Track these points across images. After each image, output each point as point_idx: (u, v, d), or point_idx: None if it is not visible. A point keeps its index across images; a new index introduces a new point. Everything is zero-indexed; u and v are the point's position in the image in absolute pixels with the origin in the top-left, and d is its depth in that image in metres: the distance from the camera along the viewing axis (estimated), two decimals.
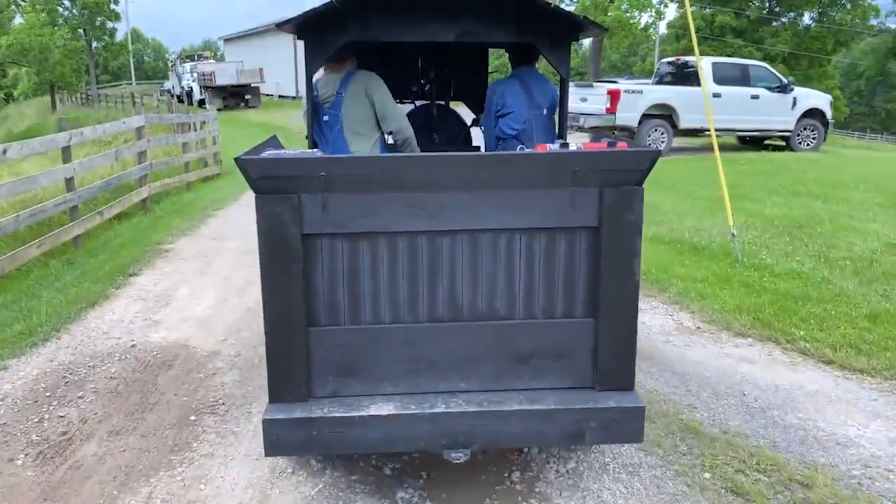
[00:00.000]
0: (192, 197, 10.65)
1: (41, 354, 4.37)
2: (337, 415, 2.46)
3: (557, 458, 3.08)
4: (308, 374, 2.51)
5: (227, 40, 49.91)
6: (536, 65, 3.90)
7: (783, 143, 15.47)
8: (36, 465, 3.15)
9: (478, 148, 4.52)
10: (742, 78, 14.87)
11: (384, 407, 2.49)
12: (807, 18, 46.04)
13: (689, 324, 4.81)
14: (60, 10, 40.58)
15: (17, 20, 38.40)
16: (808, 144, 15.49)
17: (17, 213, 6.45)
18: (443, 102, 4.71)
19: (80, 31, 40.59)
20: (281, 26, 3.12)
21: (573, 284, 2.54)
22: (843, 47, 47.61)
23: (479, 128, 4.34)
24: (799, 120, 15.23)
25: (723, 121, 14.81)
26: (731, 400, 3.64)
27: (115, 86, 61.06)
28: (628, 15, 32.28)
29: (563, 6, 32.03)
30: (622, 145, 2.74)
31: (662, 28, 46.76)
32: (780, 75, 15.43)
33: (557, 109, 3.72)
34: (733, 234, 6.21)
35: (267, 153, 2.61)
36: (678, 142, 15.30)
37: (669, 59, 16.76)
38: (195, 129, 13.94)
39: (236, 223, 8.29)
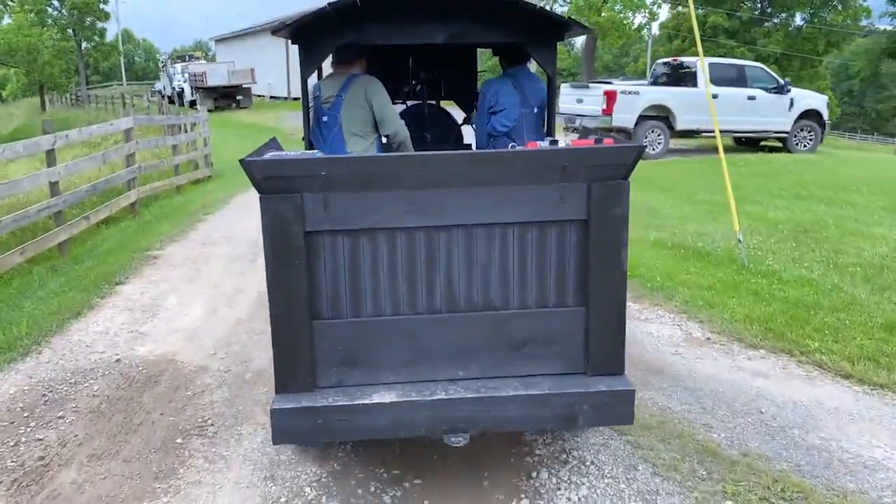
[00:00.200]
0: (183, 200, 10.41)
1: (20, 371, 4.15)
2: (342, 403, 2.54)
3: (569, 484, 2.90)
4: (312, 366, 2.60)
5: (219, 41, 49.54)
6: (529, 65, 3.97)
7: (780, 145, 15.36)
8: (10, 494, 2.94)
9: (469, 146, 4.58)
10: (739, 78, 14.74)
11: (387, 395, 2.57)
12: (798, 19, 46.14)
13: (699, 334, 4.63)
14: (49, 10, 40.19)
15: (6, 20, 37.97)
16: (804, 146, 15.38)
17: None
18: (434, 102, 4.79)
19: (70, 31, 40.18)
20: (276, 32, 3.20)
21: (564, 275, 2.64)
22: (834, 48, 47.76)
23: (471, 125, 4.40)
24: (796, 121, 15.13)
25: (719, 122, 14.65)
26: (749, 418, 3.46)
27: (106, 86, 60.57)
28: (622, 16, 32.17)
29: (556, 7, 31.93)
30: (608, 142, 2.81)
31: (654, 29, 46.79)
32: (776, 76, 15.32)
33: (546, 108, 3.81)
34: (739, 240, 6.04)
35: (269, 154, 2.66)
36: (674, 143, 15.14)
37: (665, 60, 16.63)
38: (186, 131, 13.70)
39: (227, 228, 8.07)
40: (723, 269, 5.89)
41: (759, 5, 46.57)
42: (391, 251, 2.58)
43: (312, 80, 3.73)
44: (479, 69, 5.01)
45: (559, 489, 2.87)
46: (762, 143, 16.05)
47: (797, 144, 15.31)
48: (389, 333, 2.63)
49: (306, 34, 3.15)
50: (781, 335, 4.46)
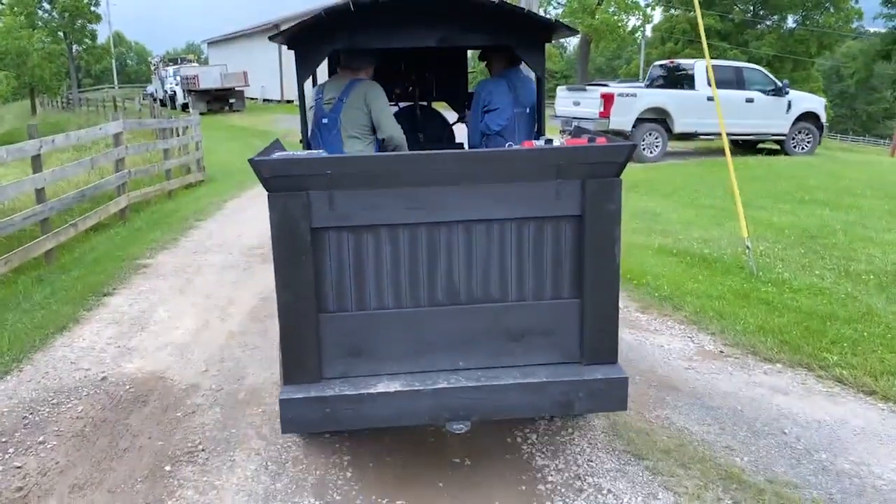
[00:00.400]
0: (174, 206, 10.18)
1: None
2: (348, 393, 2.62)
3: None
4: (319, 357, 2.67)
5: (211, 43, 49.24)
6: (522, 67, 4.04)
7: (777, 147, 15.23)
8: None
9: (461, 145, 4.67)
10: (736, 81, 14.61)
11: (391, 385, 2.65)
12: (790, 21, 46.20)
13: (711, 347, 4.45)
14: (40, 12, 39.83)
15: None
16: (802, 148, 15.26)
17: None
18: (425, 103, 4.91)
19: (60, 33, 39.83)
20: (273, 38, 3.29)
21: (560, 268, 2.74)
22: (826, 50, 47.84)
23: (465, 124, 4.46)
24: (794, 123, 15.01)
25: (717, 125, 14.53)
26: (771, 439, 3.28)
27: (98, 89, 60.14)
28: (616, 18, 32.10)
29: (549, 9, 31.82)
30: (601, 141, 2.88)
31: (647, 31, 46.74)
32: (774, 78, 15.20)
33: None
34: (748, 247, 5.87)
35: (276, 154, 2.73)
36: (671, 146, 15.00)
37: (662, 62, 16.49)
38: (177, 135, 13.46)
39: (220, 235, 7.85)
40: (731, 277, 5.72)
41: (752, 8, 46.63)
42: (394, 246, 2.66)
43: (311, 82, 3.78)
44: (468, 71, 5.18)
45: None
46: (759, 145, 15.93)
47: (795, 147, 15.19)
48: (393, 325, 2.71)
49: (302, 40, 3.21)
50: (798, 348, 4.28)
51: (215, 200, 10.23)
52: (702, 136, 14.91)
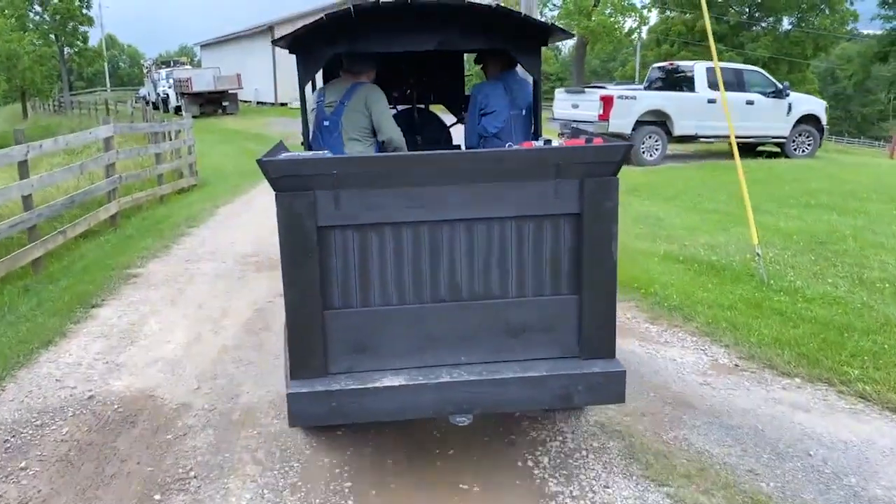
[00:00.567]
0: (166, 212, 9.97)
1: None
2: (353, 387, 2.67)
3: None
4: (325, 353, 2.72)
5: (204, 46, 48.99)
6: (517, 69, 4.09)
7: (777, 150, 15.10)
8: None
9: (458, 147, 4.72)
10: (737, 83, 14.46)
11: (395, 379, 2.70)
12: (786, 23, 46.22)
13: (726, 360, 4.28)
14: (31, 14, 39.50)
15: None
16: (803, 151, 15.14)
17: None
18: (423, 106, 4.99)
19: (52, 36, 39.50)
20: (276, 42, 3.35)
21: (559, 265, 2.80)
22: (822, 52, 47.87)
23: (464, 125, 4.51)
24: (794, 126, 14.88)
25: (717, 127, 14.40)
26: (797, 462, 3.10)
27: (90, 92, 59.77)
28: (612, 20, 32.00)
29: (546, 11, 31.69)
30: (598, 141, 2.93)
31: (643, 33, 46.70)
32: (774, 80, 15.07)
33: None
34: (758, 254, 5.70)
35: (283, 155, 2.78)
36: (670, 149, 14.84)
37: (661, 64, 16.35)
38: (170, 139, 13.25)
39: (212, 242, 7.65)
40: (741, 285, 5.55)
41: (748, 10, 46.63)
42: (397, 244, 2.71)
43: (310, 86, 3.82)
44: (465, 74, 5.30)
45: None
46: (759, 148, 15.80)
47: (795, 150, 15.06)
48: (396, 321, 2.76)
49: (304, 44, 3.26)
50: (816, 361, 4.11)
51: (208, 206, 10.02)
52: (702, 139, 14.76)
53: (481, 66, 4.17)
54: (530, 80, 3.76)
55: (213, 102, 32.18)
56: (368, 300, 2.74)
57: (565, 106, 14.91)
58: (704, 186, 10.43)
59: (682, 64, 15.64)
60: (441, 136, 4.99)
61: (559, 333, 2.83)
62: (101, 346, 4.60)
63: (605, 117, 13.62)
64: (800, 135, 15.03)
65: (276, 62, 36.66)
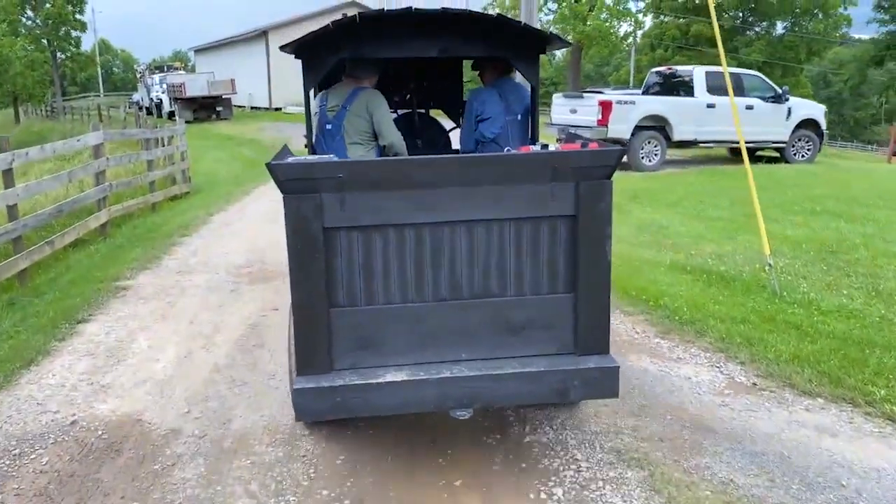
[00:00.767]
0: (158, 220, 9.73)
1: None
2: (358, 382, 2.75)
3: None
4: (330, 350, 2.80)
5: (199, 51, 48.78)
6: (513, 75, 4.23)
7: (777, 155, 14.95)
8: None
9: (457, 152, 4.73)
10: (736, 87, 14.29)
11: (398, 374, 2.79)
12: (779, 28, 46.27)
13: (743, 379, 4.08)
14: (23, 19, 39.19)
15: None
16: (802, 156, 15.00)
17: None
18: (423, 111, 5.09)
19: (44, 41, 39.16)
20: (283, 48, 3.44)
21: (555, 265, 2.89)
22: (815, 56, 47.95)
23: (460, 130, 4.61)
24: (794, 131, 14.75)
25: (717, 132, 14.27)
26: (830, 494, 2.91)
27: (83, 97, 59.44)
28: (608, 24, 31.90)
29: (541, 15, 31.57)
30: (593, 145, 3.01)
31: (637, 38, 46.67)
32: (774, 85, 14.94)
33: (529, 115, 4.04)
34: (769, 265, 5.51)
35: (290, 159, 2.88)
36: (669, 154, 14.68)
37: (658, 69, 16.19)
38: (162, 145, 13.01)
39: (205, 252, 7.42)
40: (753, 297, 5.36)
41: (741, 14, 46.69)
42: (400, 245, 2.80)
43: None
44: (463, 80, 5.43)
45: None
46: (758, 153, 15.66)
47: (795, 154, 14.93)
48: (399, 319, 2.84)
49: (309, 50, 3.36)
50: (838, 380, 3.92)
51: (201, 214, 9.79)
52: (701, 144, 14.61)
53: (478, 72, 4.27)
54: (525, 85, 3.85)
55: (207, 107, 31.95)
56: (372, 299, 2.82)
57: (563, 111, 14.74)
58: (706, 193, 10.26)
59: (681, 69, 15.49)
60: (440, 141, 5.09)
61: (556, 330, 2.92)
62: (87, 366, 4.38)
63: (603, 122, 13.46)
64: (799, 140, 14.90)
65: (270, 67, 36.50)
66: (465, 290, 2.86)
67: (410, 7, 3.15)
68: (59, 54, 42.03)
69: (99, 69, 61.25)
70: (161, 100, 34.08)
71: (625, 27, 36.58)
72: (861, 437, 3.38)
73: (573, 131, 13.52)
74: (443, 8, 3.20)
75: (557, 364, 2.87)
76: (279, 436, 3.45)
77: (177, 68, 40.73)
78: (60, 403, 3.86)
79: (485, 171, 2.77)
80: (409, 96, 4.96)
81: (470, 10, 3.22)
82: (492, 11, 33.64)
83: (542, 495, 2.93)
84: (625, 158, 13.98)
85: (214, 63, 40.83)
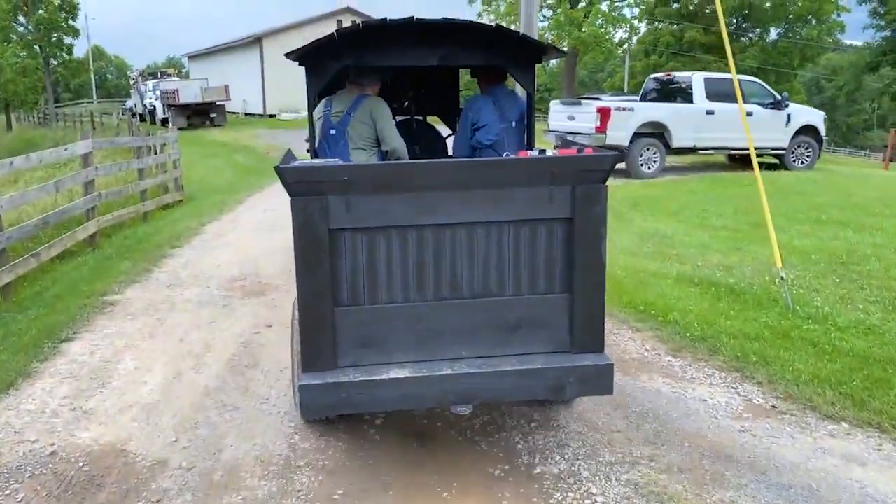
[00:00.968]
0: (149, 230, 9.50)
1: None
2: (362, 378, 2.82)
3: None
4: (334, 347, 2.87)
5: (192, 57, 48.54)
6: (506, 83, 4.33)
7: (776, 162, 14.81)
8: None
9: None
10: (734, 93, 14.17)
11: (400, 371, 2.86)
12: (773, 34, 46.34)
13: (761, 401, 3.88)
14: (15, 25, 38.91)
15: None
16: (802, 163, 14.87)
17: None
18: (421, 118, 5.25)
19: (36, 47, 38.87)
20: (288, 55, 3.56)
21: (552, 265, 2.97)
22: (809, 62, 48.01)
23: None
24: (793, 137, 14.62)
25: (716, 139, 14.12)
26: None
27: (76, 104, 59.11)
28: (603, 30, 31.82)
29: (536, 22, 31.50)
30: (588, 151, 3.08)
31: (632, 43, 46.67)
32: (773, 91, 14.82)
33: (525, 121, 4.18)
34: (782, 278, 5.32)
35: (297, 163, 2.96)
36: (667, 161, 14.51)
37: (656, 75, 16.06)
38: (154, 153, 12.78)
39: (196, 265, 7.19)
40: (765, 311, 5.17)
41: (735, 21, 46.75)
42: (403, 246, 2.87)
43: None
44: (460, 88, 5.55)
45: None
46: (756, 159, 15.52)
47: (794, 161, 14.79)
48: (401, 318, 2.91)
49: (313, 58, 3.46)
50: (862, 402, 3.73)
51: (193, 224, 9.56)
52: (700, 151, 14.46)
53: (477, 78, 4.38)
54: (520, 92, 3.94)
55: (201, 114, 31.70)
56: (376, 298, 2.89)
57: (561, 118, 14.56)
58: (708, 200, 10.09)
59: (679, 75, 15.37)
60: (438, 147, 5.23)
61: (552, 329, 2.99)
62: (69, 389, 4.15)
63: (602, 129, 13.29)
64: (799, 146, 14.77)
65: (264, 74, 36.31)
66: (466, 289, 2.94)
67: (413, 17, 3.25)
68: (51, 61, 41.75)
69: (92, 75, 60.98)
70: (154, 106, 33.82)
71: (620, 33, 36.51)
72: (892, 466, 3.19)
73: (571, 138, 13.38)
74: (444, 18, 3.30)
75: (554, 362, 2.95)
76: (272, 468, 3.23)
77: (170, 75, 40.44)
78: (39, 432, 3.63)
79: (485, 175, 2.86)
80: (406, 104, 5.09)
81: (470, 21, 3.45)
82: (486, 19, 33.54)
83: None
84: (623, 165, 13.84)
85: (209, 69, 40.59)
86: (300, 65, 3.55)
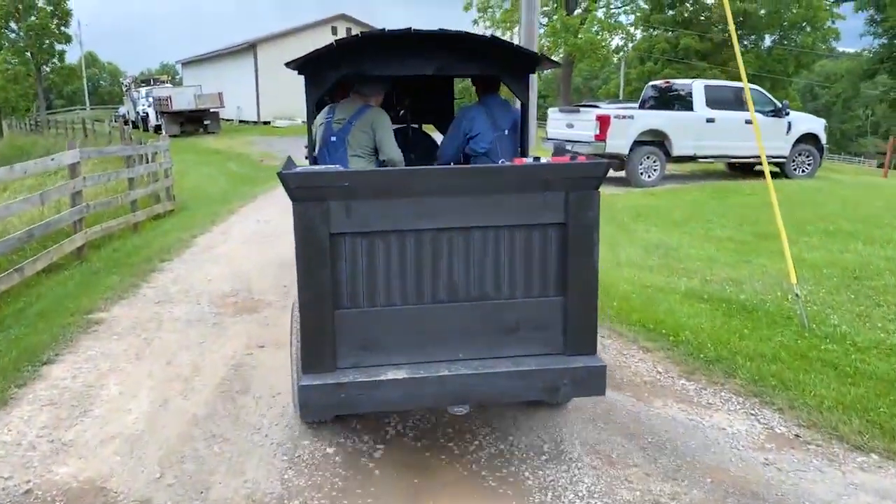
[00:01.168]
0: (139, 242, 9.24)
1: None
2: (361, 379, 2.87)
3: None
4: (334, 349, 2.91)
5: (186, 64, 48.28)
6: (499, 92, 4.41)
7: (776, 170, 14.65)
8: None
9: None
10: (735, 101, 14.03)
11: (399, 372, 2.91)
12: (768, 41, 46.40)
13: (783, 430, 3.66)
14: (7, 32, 38.63)
15: None
16: (803, 171, 14.73)
17: None
18: (416, 126, 5.36)
19: (28, 54, 38.55)
20: (288, 65, 3.66)
21: (546, 269, 3.03)
22: (804, 69, 48.09)
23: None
24: (794, 145, 14.47)
25: (717, 147, 13.97)
26: None
27: (69, 111, 58.75)
28: (599, 37, 31.73)
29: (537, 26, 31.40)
30: (581, 159, 3.17)
31: (628, 49, 46.67)
32: (773, 99, 14.68)
33: (519, 130, 4.23)
34: (797, 295, 5.12)
35: (299, 169, 3.00)
36: (667, 169, 14.34)
37: (655, 83, 15.90)
38: (146, 162, 12.53)
39: (186, 280, 6.94)
40: (779, 330, 4.96)
41: None
42: (401, 250, 2.93)
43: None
44: (454, 97, 5.71)
45: None
46: (756, 167, 15.37)
47: (795, 170, 14.65)
48: (400, 320, 2.97)
49: (313, 67, 3.55)
50: (892, 432, 3.52)
51: (184, 235, 9.30)
52: (700, 160, 14.30)
53: (474, 86, 4.45)
54: (513, 101, 4.03)
55: (194, 121, 31.45)
56: (375, 301, 2.94)
57: (559, 125, 14.38)
58: (712, 211, 9.90)
59: (679, 82, 15.21)
60: (433, 154, 5.23)
61: (547, 332, 3.05)
62: (48, 418, 3.89)
63: (601, 137, 13.12)
64: (799, 154, 14.63)
65: (258, 80, 36.09)
66: (462, 292, 2.99)
67: (410, 28, 3.33)
68: (43, 67, 41.45)
69: (85, 82, 60.61)
70: (147, 113, 33.55)
71: (616, 40, 36.46)
72: None
73: (570, 147, 13.18)
74: (440, 29, 3.38)
75: (548, 364, 3.00)
76: None
77: (163, 81, 40.19)
78: (14, 467, 3.38)
79: (482, 181, 2.93)
80: (402, 112, 5.20)
81: (465, 32, 3.46)
82: (482, 25, 33.37)
83: None
84: (623, 174, 13.66)
85: (202, 76, 40.37)
86: (300, 74, 3.62)
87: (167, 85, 37.57)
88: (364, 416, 3.77)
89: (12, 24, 38.51)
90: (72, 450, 3.55)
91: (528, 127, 4.12)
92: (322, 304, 2.85)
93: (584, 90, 70.18)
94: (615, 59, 46.55)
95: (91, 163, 16.08)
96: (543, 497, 3.06)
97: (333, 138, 4.02)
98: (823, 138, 14.96)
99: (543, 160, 3.38)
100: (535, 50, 5.45)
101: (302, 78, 3.74)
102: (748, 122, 13.78)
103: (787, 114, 14.21)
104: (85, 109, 58.02)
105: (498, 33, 32.53)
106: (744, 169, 15.51)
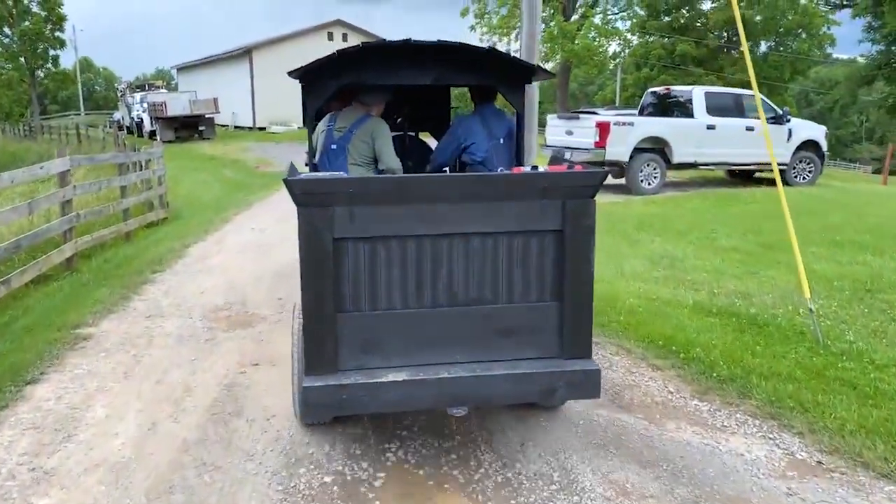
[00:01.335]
0: (131, 251, 9.04)
1: None
2: (363, 381, 2.93)
3: None
4: (336, 351, 2.97)
5: (181, 69, 48.09)
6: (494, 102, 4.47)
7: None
8: None
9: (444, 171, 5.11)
10: (735, 108, 13.94)
11: (399, 375, 2.97)
12: (763, 47, 46.46)
13: (804, 455, 3.48)
14: (0, 37, 38.41)
15: None
16: (804, 178, 14.63)
17: None
18: (413, 134, 5.43)
19: (22, 59, 38.31)
20: (290, 74, 3.72)
21: (543, 275, 3.09)
22: (800, 75, 48.16)
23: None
24: (794, 152, 14.36)
25: (717, 154, 13.86)
26: None
27: (64, 116, 58.48)
28: (597, 43, 31.67)
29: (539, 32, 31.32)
30: (578, 167, 3.23)
31: (624, 55, 46.67)
32: (774, 105, 14.57)
33: (514, 138, 4.29)
34: (811, 310, 4.95)
35: (304, 175, 3.06)
36: (667, 176, 14.21)
37: (655, 89, 15.78)
38: (139, 169, 12.33)
39: (178, 292, 6.74)
40: (793, 346, 4.79)
41: (726, 34, 46.85)
42: (403, 255, 2.99)
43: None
44: (451, 106, 5.80)
45: None
46: (756, 174, 15.26)
47: (796, 177, 14.54)
48: (400, 324, 3.03)
49: (313, 76, 3.62)
50: None
51: (177, 245, 9.09)
52: (701, 167, 14.17)
53: (472, 95, 4.51)
54: (509, 109, 4.10)
55: (189, 127, 31.27)
56: (376, 304, 3.00)
57: (558, 132, 14.25)
58: (715, 220, 9.75)
59: (678, 89, 15.10)
60: (428, 161, 5.30)
61: (543, 336, 3.11)
62: (29, 443, 3.69)
63: (601, 144, 12.99)
64: (800, 161, 14.53)
65: (254, 86, 35.93)
66: (461, 297, 3.05)
67: (409, 38, 3.41)
68: (38, 73, 41.21)
69: (80, 87, 60.38)
70: (142, 119, 33.35)
71: (613, 46, 36.43)
72: None
73: (569, 154, 13.03)
74: (438, 40, 3.43)
75: (545, 367, 3.06)
76: None
77: (158, 87, 39.98)
78: None
79: (481, 189, 2.99)
80: (399, 120, 5.26)
81: (462, 43, 3.53)
82: (477, 35, 33.24)
83: None
84: (623, 181, 13.52)
85: (198, 81, 40.17)
86: (301, 83, 3.69)
87: (162, 90, 37.36)
88: (365, 441, 3.58)
89: (6, 29, 38.29)
90: (53, 479, 3.34)
91: (523, 136, 4.19)
92: (325, 307, 2.91)
93: (580, 96, 70.22)
94: (612, 66, 46.52)
95: (83, 170, 15.87)
96: None
97: (334, 146, 4.09)
98: (824, 145, 14.86)
99: (541, 169, 3.42)
100: (538, 60, 5.37)
101: (298, 84, 3.77)
102: (749, 129, 13.72)
103: (788, 121, 14.12)
104: (80, 115, 57.75)
105: (494, 39, 32.46)
106: (743, 176, 15.40)
